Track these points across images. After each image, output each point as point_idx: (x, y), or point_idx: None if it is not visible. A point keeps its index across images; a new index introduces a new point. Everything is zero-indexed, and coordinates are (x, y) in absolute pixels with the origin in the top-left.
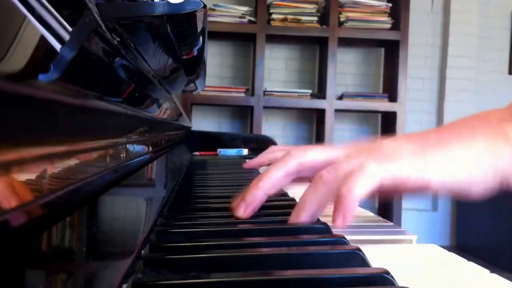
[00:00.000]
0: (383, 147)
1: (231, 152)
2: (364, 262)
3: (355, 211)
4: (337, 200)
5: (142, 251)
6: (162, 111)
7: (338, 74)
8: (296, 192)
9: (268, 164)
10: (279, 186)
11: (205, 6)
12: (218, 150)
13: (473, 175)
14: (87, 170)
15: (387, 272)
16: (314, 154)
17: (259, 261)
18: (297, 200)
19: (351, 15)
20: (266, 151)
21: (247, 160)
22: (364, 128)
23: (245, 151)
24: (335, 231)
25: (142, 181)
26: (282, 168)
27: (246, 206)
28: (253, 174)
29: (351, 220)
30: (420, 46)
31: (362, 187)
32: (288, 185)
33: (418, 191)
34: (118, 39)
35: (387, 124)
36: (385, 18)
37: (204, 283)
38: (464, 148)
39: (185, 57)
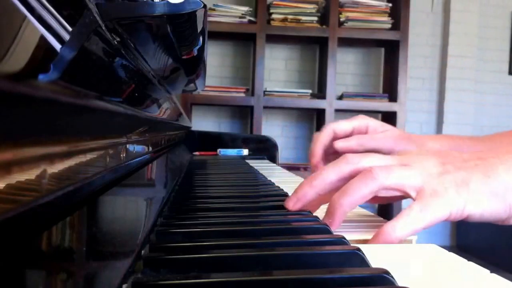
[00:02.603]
0: (429, 166)
1: (231, 152)
2: (364, 262)
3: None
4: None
5: (142, 251)
6: (162, 111)
7: (338, 74)
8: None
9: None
10: (330, 189)
11: (205, 6)
12: (218, 150)
13: None
14: (87, 170)
15: (387, 272)
16: (370, 161)
17: (259, 261)
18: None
19: (351, 15)
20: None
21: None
22: None
23: (245, 151)
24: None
25: (142, 181)
26: (336, 171)
27: (297, 200)
28: (254, 174)
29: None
30: (420, 46)
31: (410, 227)
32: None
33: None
34: (118, 39)
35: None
36: (385, 18)
37: (204, 283)
38: (508, 175)
39: (185, 57)
